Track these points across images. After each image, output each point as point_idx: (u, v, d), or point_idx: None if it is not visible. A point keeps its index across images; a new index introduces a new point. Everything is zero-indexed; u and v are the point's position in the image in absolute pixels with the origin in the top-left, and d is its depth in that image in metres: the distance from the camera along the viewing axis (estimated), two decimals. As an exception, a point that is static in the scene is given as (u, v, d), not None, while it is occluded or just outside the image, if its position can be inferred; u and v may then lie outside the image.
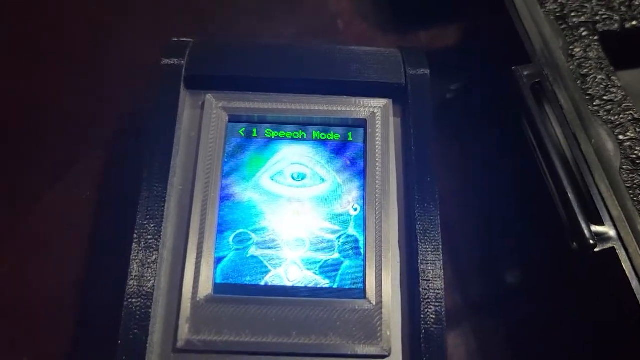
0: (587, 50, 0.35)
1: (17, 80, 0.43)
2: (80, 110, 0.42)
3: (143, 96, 0.36)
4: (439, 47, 0.45)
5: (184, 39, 0.34)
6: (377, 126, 0.32)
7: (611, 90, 0.34)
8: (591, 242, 0.29)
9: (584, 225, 0.29)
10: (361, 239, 0.30)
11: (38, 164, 0.40)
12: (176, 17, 0.46)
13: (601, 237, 0.29)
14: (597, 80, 0.34)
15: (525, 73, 0.33)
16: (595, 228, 0.29)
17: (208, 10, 0.46)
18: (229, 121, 0.32)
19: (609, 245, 0.29)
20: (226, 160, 0.31)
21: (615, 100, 0.33)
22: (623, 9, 0.36)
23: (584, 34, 0.35)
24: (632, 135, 0.33)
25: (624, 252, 0.29)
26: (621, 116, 0.33)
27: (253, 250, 0.30)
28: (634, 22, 0.36)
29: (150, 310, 0.28)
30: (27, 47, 0.44)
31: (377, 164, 0.31)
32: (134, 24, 0.45)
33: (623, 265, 0.29)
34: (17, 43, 0.44)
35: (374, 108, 0.33)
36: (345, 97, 0.33)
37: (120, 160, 0.39)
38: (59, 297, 0.35)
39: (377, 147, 0.32)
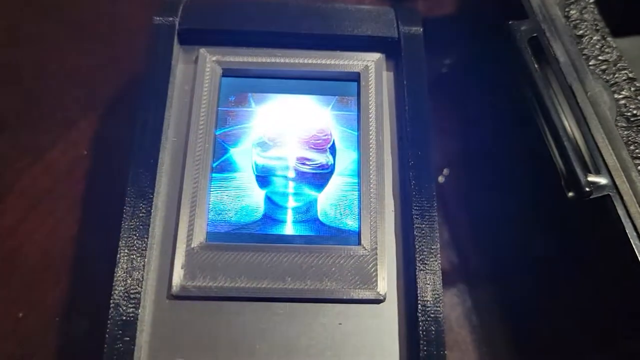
0: (583, 12, 0.35)
1: (18, 40, 0.43)
2: (82, 70, 0.42)
3: (143, 61, 0.36)
4: (436, 16, 0.45)
5: (177, -4, 0.34)
6: (370, 79, 0.32)
7: (606, 50, 0.34)
8: (587, 190, 0.29)
9: (579, 174, 0.29)
10: (356, 189, 0.30)
11: (39, 123, 0.40)
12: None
13: (597, 186, 0.29)
14: (592, 40, 0.34)
15: (522, 28, 0.33)
16: (591, 177, 0.29)
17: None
18: (223, 75, 0.32)
19: (605, 192, 0.29)
20: (220, 112, 0.31)
21: (610, 60, 0.33)
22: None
23: None
24: (627, 93, 0.33)
25: (619, 200, 0.29)
26: (616, 75, 0.33)
27: (250, 194, 0.30)
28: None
29: (144, 258, 0.27)
30: (28, 9, 0.45)
31: (370, 117, 0.31)
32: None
33: (619, 212, 0.29)
34: (19, 4, 0.45)
35: (367, 62, 0.33)
36: (338, 51, 0.33)
37: (121, 119, 0.39)
38: (56, 251, 0.36)
39: (370, 99, 0.32)
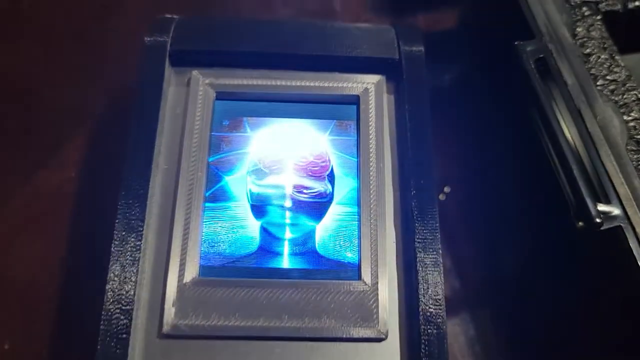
0: (590, 29, 0.34)
1: (6, 58, 0.42)
2: (70, 89, 0.41)
3: (134, 75, 0.35)
4: (436, 31, 0.43)
5: (169, 16, 0.32)
6: (370, 102, 0.31)
7: (614, 70, 0.33)
8: (597, 220, 0.27)
9: (590, 204, 0.28)
10: (355, 219, 0.29)
11: (28, 143, 0.39)
12: (171, 1, 0.44)
13: (607, 216, 0.28)
14: (600, 59, 0.33)
15: (529, 49, 0.32)
16: (602, 206, 0.28)
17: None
18: (216, 98, 0.31)
19: (616, 223, 0.28)
20: (213, 138, 0.30)
21: (619, 80, 0.32)
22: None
23: (586, 13, 0.34)
24: (636, 115, 0.31)
25: (631, 231, 0.28)
26: (625, 96, 0.32)
27: (245, 225, 0.29)
28: (637, 3, 0.35)
29: (134, 295, 0.26)
30: (16, 27, 0.43)
31: (370, 142, 0.30)
32: (128, 6, 0.44)
33: (630, 244, 0.28)
34: (5, 21, 0.43)
35: (367, 84, 0.32)
36: (336, 73, 0.32)
37: (110, 140, 0.38)
38: (43, 278, 0.34)
39: (370, 124, 0.30)
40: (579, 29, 0.34)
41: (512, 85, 0.34)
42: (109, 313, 0.26)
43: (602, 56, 0.33)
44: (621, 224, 0.28)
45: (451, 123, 0.40)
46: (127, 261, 0.27)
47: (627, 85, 0.32)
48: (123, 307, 0.26)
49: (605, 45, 0.33)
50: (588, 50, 0.33)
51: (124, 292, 0.26)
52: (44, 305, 0.34)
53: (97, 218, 0.33)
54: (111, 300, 0.26)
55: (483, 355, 0.34)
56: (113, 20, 0.44)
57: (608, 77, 0.33)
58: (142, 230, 0.27)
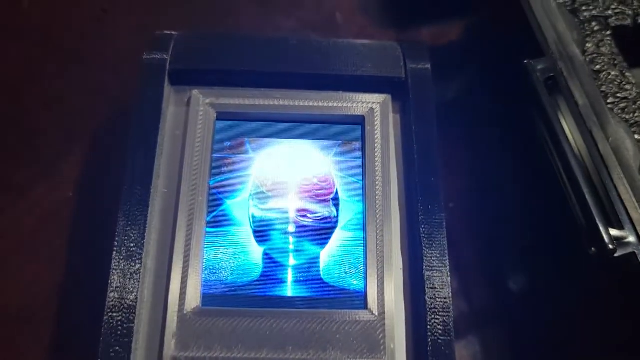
0: (600, 45, 0.33)
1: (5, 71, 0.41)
2: (69, 104, 0.40)
3: (134, 90, 0.34)
4: (441, 45, 0.42)
5: (168, 32, 0.31)
6: (376, 123, 0.30)
7: (625, 87, 0.32)
8: (610, 247, 0.27)
9: (602, 230, 0.27)
10: (361, 244, 0.28)
11: (25, 160, 0.38)
12: (172, 10, 0.44)
13: (621, 242, 0.27)
14: (610, 76, 0.32)
15: (539, 67, 0.31)
16: (615, 232, 0.27)
17: (205, 2, 0.44)
18: (217, 118, 0.30)
19: (630, 250, 0.27)
20: (214, 160, 0.29)
21: (630, 97, 0.32)
22: (636, 3, 0.34)
23: (595, 28, 0.33)
24: (649, 135, 0.31)
25: (646, 258, 0.27)
26: (636, 114, 0.31)
27: (247, 251, 0.28)
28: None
29: (132, 325, 0.25)
30: (11, 32, 0.42)
31: (376, 164, 0.29)
32: (127, 15, 0.43)
33: (645, 271, 0.27)
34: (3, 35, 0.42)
35: (372, 104, 0.31)
36: (341, 92, 0.31)
37: (108, 157, 0.37)
38: (38, 304, 0.33)
39: (376, 145, 0.30)
40: (588, 45, 0.33)
41: (520, 103, 0.33)
42: (106, 345, 0.25)
43: (613, 73, 0.32)
44: (635, 251, 0.27)
45: (456, 139, 0.39)
46: (126, 290, 0.26)
47: (639, 103, 0.32)
48: (121, 339, 0.25)
49: (615, 62, 0.33)
50: (598, 67, 0.32)
51: (122, 323, 0.25)
52: (38, 329, 0.33)
53: (94, 238, 0.33)
54: (108, 332, 0.25)
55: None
56: (111, 35, 0.42)
57: (619, 95, 0.32)
58: (141, 257, 0.26)
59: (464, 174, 0.38)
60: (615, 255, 0.27)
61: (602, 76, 0.32)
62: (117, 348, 0.25)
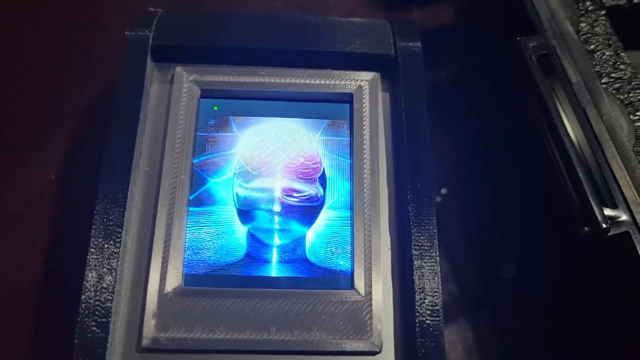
0: (594, 25, 0.32)
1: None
2: (53, 81, 0.39)
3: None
4: (433, 27, 0.42)
5: (153, 9, 0.31)
6: (364, 101, 0.29)
7: (619, 67, 0.31)
8: (604, 226, 0.26)
9: (596, 209, 0.26)
10: (348, 224, 0.27)
11: (7, 143, 0.37)
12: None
13: (614, 221, 0.27)
14: (604, 56, 0.31)
15: (531, 44, 0.30)
16: (608, 211, 0.27)
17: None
18: (201, 96, 0.29)
19: (623, 229, 0.26)
20: (198, 138, 0.28)
21: (625, 77, 0.31)
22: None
23: (590, 8, 0.33)
24: (643, 115, 0.30)
25: (639, 236, 0.26)
26: (630, 95, 0.31)
27: (231, 231, 0.27)
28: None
29: (111, 305, 0.24)
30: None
31: (364, 142, 0.28)
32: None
33: (638, 250, 0.26)
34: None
35: (360, 81, 0.30)
36: (329, 69, 0.30)
37: (92, 140, 0.36)
38: (21, 283, 0.32)
39: (364, 123, 0.29)
40: (582, 24, 0.32)
41: (513, 83, 0.33)
42: (84, 326, 0.24)
43: (607, 53, 0.32)
44: (629, 230, 0.26)
45: (448, 122, 0.38)
46: (104, 270, 0.25)
47: (633, 83, 0.31)
48: (99, 320, 0.24)
49: (610, 42, 0.32)
50: (592, 47, 0.32)
51: (100, 303, 0.24)
52: (21, 310, 0.32)
53: (78, 221, 0.32)
54: (86, 312, 0.24)
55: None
56: (99, 17, 0.42)
57: (613, 75, 0.31)
58: (121, 236, 0.26)
59: (455, 158, 0.37)
60: (609, 234, 0.26)
61: (596, 56, 0.32)
62: (95, 329, 0.24)
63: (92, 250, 0.25)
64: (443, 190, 0.36)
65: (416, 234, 0.26)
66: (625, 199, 0.27)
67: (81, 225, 0.28)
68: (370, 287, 0.26)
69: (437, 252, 0.26)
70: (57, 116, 0.38)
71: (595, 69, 0.31)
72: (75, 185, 0.35)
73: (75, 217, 0.33)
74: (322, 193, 0.28)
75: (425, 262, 0.26)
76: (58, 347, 0.29)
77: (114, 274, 0.25)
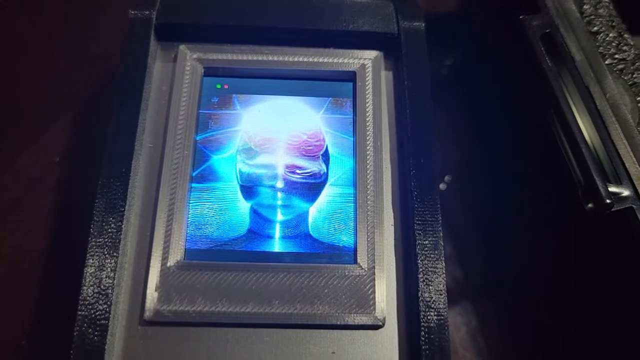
0: (598, 7, 0.32)
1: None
2: (54, 66, 0.39)
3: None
4: (437, 12, 0.42)
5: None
6: (367, 79, 0.29)
7: (623, 48, 0.31)
8: (608, 201, 0.26)
9: (600, 184, 0.26)
10: (351, 200, 0.27)
11: (9, 124, 0.37)
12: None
13: (618, 197, 0.26)
14: (608, 38, 0.31)
15: (534, 23, 0.30)
16: (612, 187, 0.27)
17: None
18: (205, 74, 0.29)
19: (627, 205, 0.26)
20: (201, 115, 0.28)
21: (628, 59, 0.31)
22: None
23: None
24: (647, 95, 0.30)
25: (643, 212, 0.26)
26: (634, 75, 0.30)
27: (233, 207, 0.27)
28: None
29: (113, 278, 0.24)
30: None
31: (367, 120, 0.28)
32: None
33: (643, 226, 0.26)
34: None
35: (363, 60, 0.30)
36: (332, 48, 0.30)
37: (94, 124, 0.36)
38: (24, 267, 0.32)
39: (367, 101, 0.29)
40: (585, 7, 0.32)
41: (517, 66, 0.33)
42: (87, 298, 0.24)
43: (611, 34, 0.32)
44: (632, 205, 0.26)
45: (452, 108, 0.38)
46: (107, 243, 0.25)
47: (637, 64, 0.31)
48: (102, 292, 0.24)
49: (613, 24, 0.32)
50: (595, 29, 0.32)
51: (103, 276, 0.24)
52: (24, 293, 0.32)
53: (80, 204, 0.32)
54: (89, 284, 0.24)
55: (486, 348, 0.32)
56: (100, 1, 0.42)
57: (617, 56, 0.31)
58: (124, 210, 0.26)
59: (460, 142, 0.37)
60: (613, 209, 0.26)
61: (599, 37, 0.31)
62: (98, 301, 0.24)
63: (95, 223, 0.25)
64: (447, 178, 0.36)
65: (419, 209, 0.26)
66: (628, 174, 0.27)
67: (83, 206, 0.28)
68: (374, 261, 0.26)
69: (440, 227, 0.26)
70: (57, 101, 0.38)
71: (599, 51, 0.31)
72: (77, 168, 0.36)
73: (78, 199, 0.34)
74: (325, 170, 0.28)
75: (428, 237, 0.26)
76: (61, 324, 0.29)
77: (117, 247, 0.25)
